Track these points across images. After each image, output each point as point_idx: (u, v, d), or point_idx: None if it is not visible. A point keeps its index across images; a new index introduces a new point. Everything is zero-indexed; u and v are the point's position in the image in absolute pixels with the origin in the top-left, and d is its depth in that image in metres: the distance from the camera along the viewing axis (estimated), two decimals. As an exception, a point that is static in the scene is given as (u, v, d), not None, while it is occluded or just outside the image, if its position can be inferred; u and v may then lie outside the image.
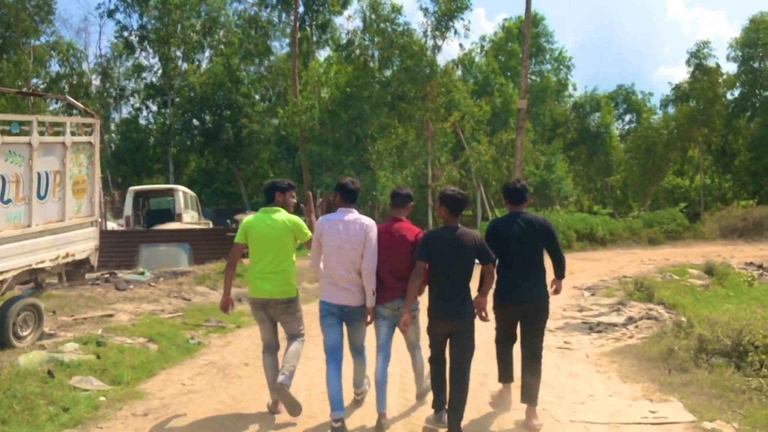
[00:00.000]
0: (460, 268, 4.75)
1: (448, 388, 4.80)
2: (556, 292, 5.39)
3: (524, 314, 5.17)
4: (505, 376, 5.49)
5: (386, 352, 5.11)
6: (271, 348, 5.45)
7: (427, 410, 5.31)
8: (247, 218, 5.43)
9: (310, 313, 6.32)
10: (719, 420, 4.89)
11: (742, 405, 5.13)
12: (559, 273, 5.36)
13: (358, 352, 5.36)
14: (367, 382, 5.55)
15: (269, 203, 5.39)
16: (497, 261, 5.06)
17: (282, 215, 5.29)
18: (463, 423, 4.71)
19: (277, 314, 5.33)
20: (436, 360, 4.92)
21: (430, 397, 5.37)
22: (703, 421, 4.91)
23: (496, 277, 5.02)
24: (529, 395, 5.04)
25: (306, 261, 5.80)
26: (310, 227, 5.42)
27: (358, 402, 5.50)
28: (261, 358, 5.55)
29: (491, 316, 5.22)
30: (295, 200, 5.57)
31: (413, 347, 5.43)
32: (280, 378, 5.09)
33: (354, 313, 5.09)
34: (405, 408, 5.46)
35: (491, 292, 5.10)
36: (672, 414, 5.10)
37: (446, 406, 4.80)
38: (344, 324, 5.18)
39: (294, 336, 5.42)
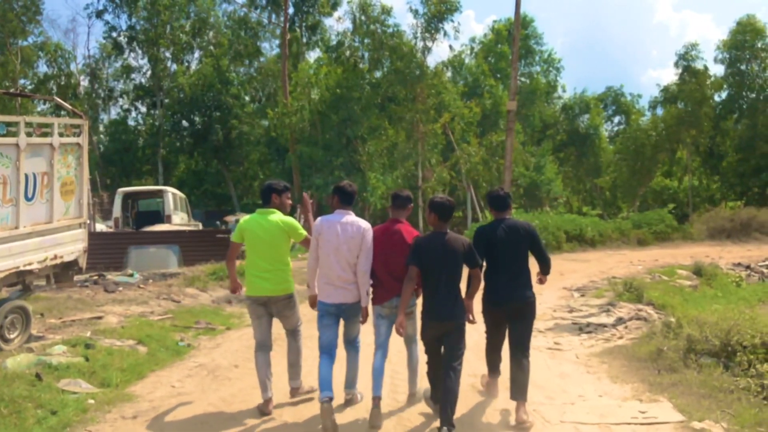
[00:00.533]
0: (449, 272, 4.96)
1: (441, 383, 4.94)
2: (541, 282, 5.62)
3: (511, 314, 5.34)
4: (493, 372, 5.69)
5: (385, 350, 5.31)
6: (264, 347, 5.55)
7: (418, 409, 5.35)
8: (244, 219, 5.63)
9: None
10: (708, 420, 4.92)
11: (730, 405, 5.16)
12: (545, 271, 5.62)
13: (351, 343, 5.52)
14: (360, 396, 5.58)
15: (266, 205, 5.55)
16: (484, 265, 5.27)
17: (277, 216, 5.45)
18: (455, 417, 4.77)
19: (279, 310, 5.55)
20: (431, 359, 5.15)
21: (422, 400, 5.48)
22: (692, 421, 4.94)
23: (483, 281, 5.25)
24: (519, 392, 5.14)
25: (299, 263, 5.86)
26: (308, 227, 5.59)
27: (348, 402, 5.50)
28: (251, 360, 5.65)
29: (480, 319, 5.40)
30: (290, 201, 5.72)
31: (410, 341, 5.53)
32: (292, 384, 5.68)
33: (350, 310, 5.30)
34: (395, 408, 5.46)
35: (480, 295, 5.32)
36: (661, 414, 5.12)
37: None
38: (341, 320, 5.39)
39: (293, 331, 5.70)
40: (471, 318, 5.12)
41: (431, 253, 4.94)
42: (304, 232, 5.51)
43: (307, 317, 5.91)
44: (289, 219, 5.51)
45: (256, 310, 5.53)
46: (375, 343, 5.33)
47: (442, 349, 5.01)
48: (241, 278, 5.71)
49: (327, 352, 5.25)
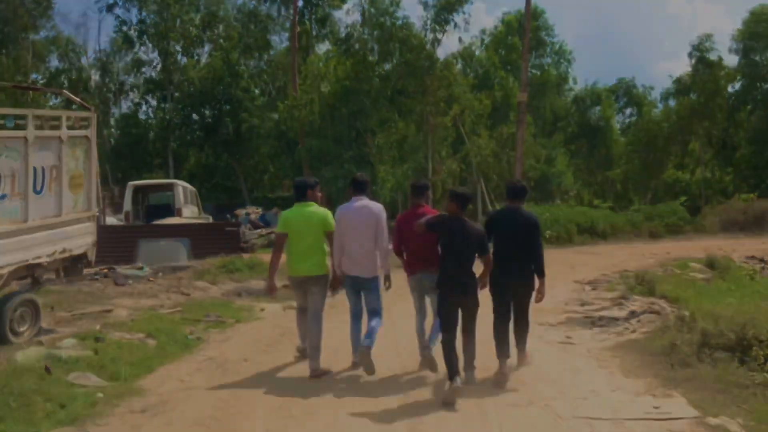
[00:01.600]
0: (467, 252, 5.64)
1: (461, 346, 5.61)
2: (539, 300, 6.11)
3: (515, 290, 6.08)
4: (502, 352, 5.95)
5: (423, 314, 6.26)
6: (304, 310, 6.44)
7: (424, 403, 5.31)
8: (286, 212, 6.46)
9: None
10: (723, 415, 4.84)
11: (746, 400, 5.09)
12: (538, 269, 6.04)
13: (372, 313, 6.25)
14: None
15: (301, 199, 6.31)
16: (494, 246, 6.01)
17: (315, 209, 6.29)
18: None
19: (309, 287, 6.30)
20: (447, 329, 5.57)
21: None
22: (707, 416, 4.86)
23: (493, 260, 5.92)
24: (520, 341, 6.16)
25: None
26: None
27: (355, 364, 6.20)
28: (260, 354, 6.45)
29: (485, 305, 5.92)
30: (320, 194, 6.61)
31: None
32: (312, 365, 6.18)
33: (366, 282, 6.22)
34: (404, 404, 5.43)
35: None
36: (675, 409, 5.05)
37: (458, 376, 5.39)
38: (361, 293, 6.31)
39: (315, 314, 6.27)
40: (483, 285, 5.89)
41: (452, 234, 5.61)
42: (333, 227, 6.24)
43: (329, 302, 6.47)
44: (324, 212, 6.30)
45: (301, 286, 6.37)
46: (414, 308, 6.31)
47: (460, 315, 5.64)
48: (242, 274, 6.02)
49: (356, 318, 6.34)
